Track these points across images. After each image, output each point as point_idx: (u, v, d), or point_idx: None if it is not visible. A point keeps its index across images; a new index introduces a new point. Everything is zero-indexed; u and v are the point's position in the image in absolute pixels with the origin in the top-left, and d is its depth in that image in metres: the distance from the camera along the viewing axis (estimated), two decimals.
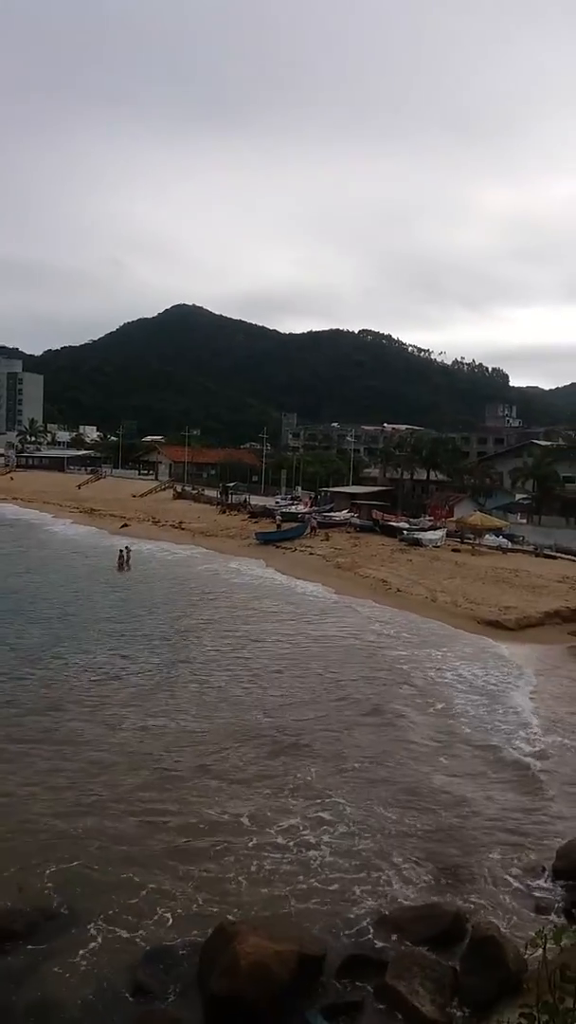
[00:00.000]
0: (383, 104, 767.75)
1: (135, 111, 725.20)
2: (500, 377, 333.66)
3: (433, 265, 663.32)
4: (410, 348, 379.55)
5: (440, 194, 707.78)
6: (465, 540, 62.66)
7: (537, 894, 12.72)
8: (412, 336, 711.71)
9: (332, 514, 75.95)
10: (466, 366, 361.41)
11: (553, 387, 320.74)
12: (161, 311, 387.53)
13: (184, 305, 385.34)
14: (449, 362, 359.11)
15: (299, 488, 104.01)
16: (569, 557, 58.54)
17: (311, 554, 56.74)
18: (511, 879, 13.22)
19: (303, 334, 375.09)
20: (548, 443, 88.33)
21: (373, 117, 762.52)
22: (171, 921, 11.67)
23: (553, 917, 11.89)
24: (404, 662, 28.68)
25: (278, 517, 71.76)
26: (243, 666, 27.24)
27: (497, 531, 64.34)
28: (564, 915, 11.97)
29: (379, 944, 11.11)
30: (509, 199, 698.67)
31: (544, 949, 3.98)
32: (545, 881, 13.04)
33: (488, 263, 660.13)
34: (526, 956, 9.70)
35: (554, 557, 58.32)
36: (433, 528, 65.89)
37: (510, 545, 62.24)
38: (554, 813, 16.12)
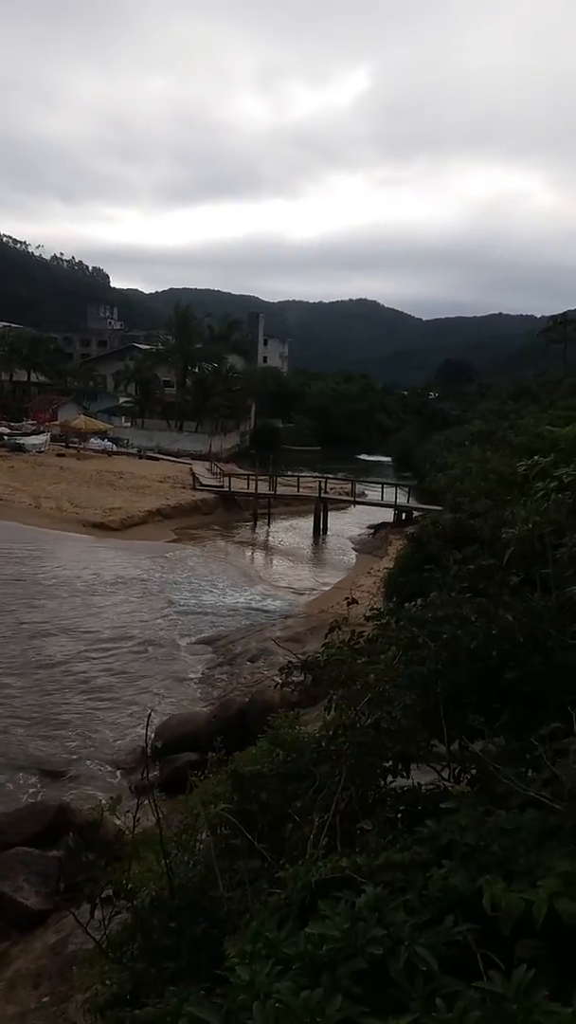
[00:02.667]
0: None
1: None
2: (101, 278, 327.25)
3: (27, 151, 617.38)
4: (4, 238, 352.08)
5: (33, 72, 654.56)
6: (70, 444, 61.75)
7: (139, 775, 13.62)
8: (6, 226, 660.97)
9: None
10: (66, 263, 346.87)
11: (153, 291, 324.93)
12: None
13: None
14: (48, 257, 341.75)
15: None
16: (170, 458, 61.24)
17: None
18: (111, 767, 13.95)
19: None
20: (148, 347, 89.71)
21: None
22: None
23: (157, 793, 12.84)
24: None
25: None
26: None
27: (102, 434, 64.49)
28: (162, 789, 12.99)
29: None
30: (104, 90, 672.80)
31: (101, 818, 4.30)
32: (144, 762, 14.03)
33: (86, 157, 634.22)
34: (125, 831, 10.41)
35: (156, 459, 60.58)
36: (36, 432, 63.70)
37: (115, 448, 62.99)
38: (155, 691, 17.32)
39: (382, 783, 4.47)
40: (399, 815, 4.13)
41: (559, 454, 4.67)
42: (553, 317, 79.71)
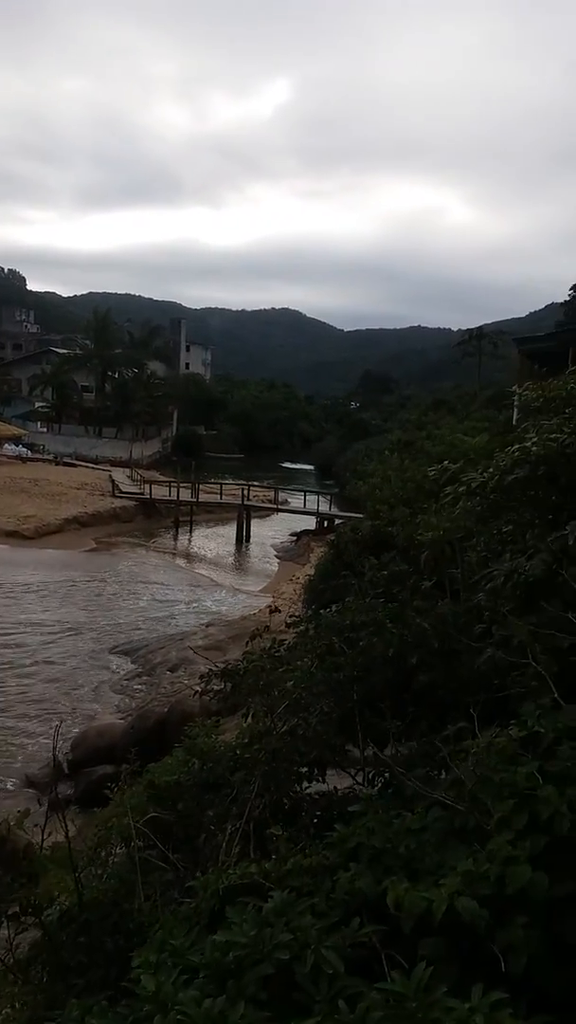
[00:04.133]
0: None
1: None
2: (17, 280, 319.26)
3: None
4: None
5: None
6: None
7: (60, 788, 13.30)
8: None
9: None
10: None
11: (71, 294, 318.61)
12: None
13: None
14: None
15: None
16: (88, 465, 60.17)
17: None
18: (23, 782, 13.59)
19: None
20: (66, 351, 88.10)
21: None
22: None
23: (73, 807, 12.55)
24: None
25: None
26: None
27: (16, 440, 62.92)
28: (77, 803, 12.72)
29: None
30: (21, 90, 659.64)
31: (8, 834, 4.19)
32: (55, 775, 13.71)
33: (3, 158, 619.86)
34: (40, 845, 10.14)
35: (74, 465, 59.40)
36: None
37: (30, 454, 61.52)
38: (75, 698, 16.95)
39: (298, 789, 4.50)
40: (315, 820, 4.16)
41: (468, 462, 4.81)
42: (469, 331, 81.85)
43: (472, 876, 2.52)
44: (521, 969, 2.41)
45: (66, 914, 3.77)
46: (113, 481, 51.17)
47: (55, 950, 3.63)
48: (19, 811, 5.06)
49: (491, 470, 3.91)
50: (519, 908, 2.51)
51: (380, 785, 4.52)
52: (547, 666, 3.14)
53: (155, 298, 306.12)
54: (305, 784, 4.58)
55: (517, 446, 3.76)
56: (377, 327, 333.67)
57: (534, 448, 3.58)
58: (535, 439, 3.62)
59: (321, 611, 6.14)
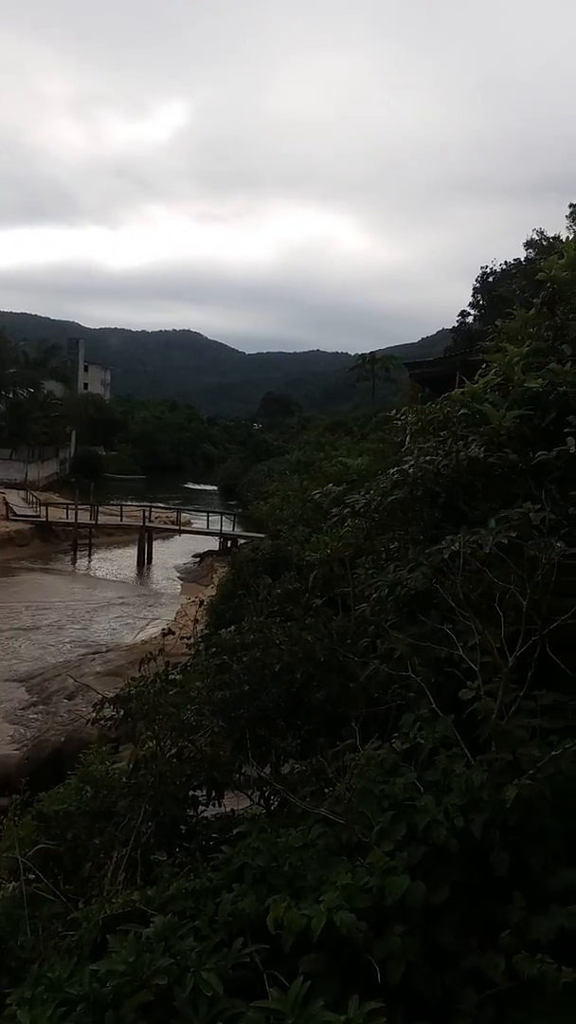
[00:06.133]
0: None
1: None
2: None
3: None
4: None
5: None
6: None
7: None
8: None
9: None
10: None
11: None
12: None
13: None
14: None
15: None
16: None
17: None
18: None
19: None
20: None
21: None
22: None
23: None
24: None
25: None
26: None
27: None
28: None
29: None
30: None
31: None
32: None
33: None
34: None
35: None
36: None
37: None
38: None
39: (193, 812, 4.45)
40: (211, 842, 4.13)
41: (352, 484, 4.93)
42: (363, 355, 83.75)
43: (351, 890, 2.56)
44: (399, 977, 2.46)
45: None
46: (7, 503, 49.50)
47: None
48: None
49: (372, 492, 4.02)
50: (398, 917, 2.57)
51: (276, 804, 4.53)
52: (426, 677, 3.23)
53: (52, 317, 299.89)
54: (201, 808, 4.55)
55: (396, 468, 3.88)
56: (277, 351, 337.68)
57: (411, 471, 3.71)
58: (412, 462, 3.75)
59: (219, 631, 6.14)
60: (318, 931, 2.40)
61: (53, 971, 2.48)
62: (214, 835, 4.26)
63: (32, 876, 4.28)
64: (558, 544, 3.07)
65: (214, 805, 4.68)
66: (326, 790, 3.86)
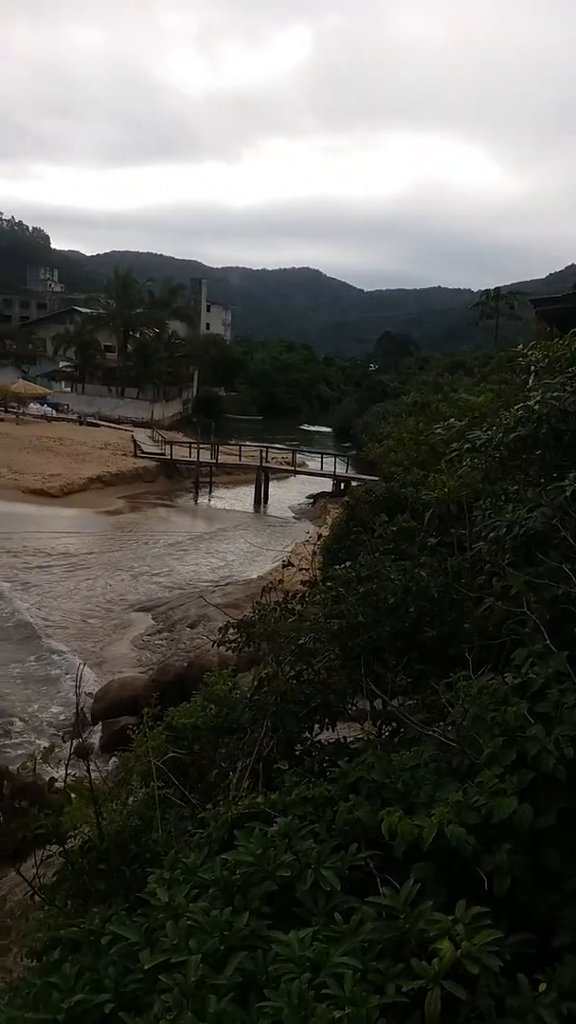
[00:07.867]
0: None
1: None
2: (41, 239, 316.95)
3: None
4: None
5: None
6: (9, 409, 60.32)
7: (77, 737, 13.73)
8: None
9: None
10: (5, 222, 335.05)
11: (94, 253, 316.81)
12: None
13: None
14: None
15: None
16: (111, 425, 60.39)
17: None
18: (52, 730, 14.02)
19: None
20: (89, 311, 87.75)
21: None
22: None
23: (98, 754, 12.96)
24: None
25: None
26: None
27: (41, 399, 63.20)
28: (102, 751, 13.13)
29: None
30: (34, 43, 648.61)
31: (34, 768, 4.45)
32: (77, 720, 14.12)
33: (22, 114, 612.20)
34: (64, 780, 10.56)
35: (97, 425, 59.64)
36: None
37: (55, 413, 61.81)
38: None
39: (307, 734, 4.71)
40: (324, 764, 4.37)
41: (473, 420, 4.90)
42: (486, 291, 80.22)
43: (461, 806, 2.71)
44: (504, 891, 2.60)
45: (87, 843, 4.01)
46: (135, 441, 51.38)
47: (77, 876, 3.88)
48: (45, 747, 5.33)
49: (494, 428, 4.01)
50: (505, 837, 2.70)
51: (387, 734, 4.72)
52: (541, 615, 3.28)
53: (176, 257, 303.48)
54: (316, 731, 4.79)
55: (521, 405, 3.85)
56: (397, 288, 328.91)
57: (536, 407, 3.68)
58: (537, 398, 3.71)
59: (333, 567, 6.32)
60: (429, 840, 2.57)
61: (188, 858, 2.78)
62: (326, 758, 4.50)
63: (162, 783, 4.67)
64: None
65: (327, 731, 4.92)
66: (439, 722, 4.00)
